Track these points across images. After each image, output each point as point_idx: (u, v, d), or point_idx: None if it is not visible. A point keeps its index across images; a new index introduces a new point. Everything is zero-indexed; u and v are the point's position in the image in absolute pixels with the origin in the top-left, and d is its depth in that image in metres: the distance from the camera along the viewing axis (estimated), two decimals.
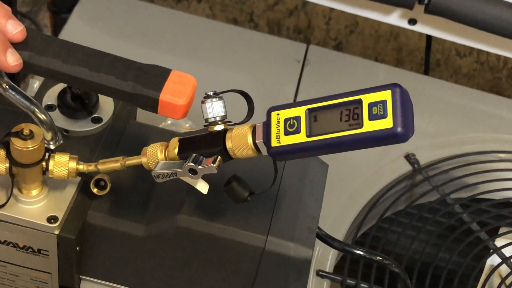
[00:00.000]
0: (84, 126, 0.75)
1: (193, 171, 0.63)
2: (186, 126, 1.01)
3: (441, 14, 1.05)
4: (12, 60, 0.64)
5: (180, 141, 0.65)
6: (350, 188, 1.01)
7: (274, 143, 0.60)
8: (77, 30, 1.10)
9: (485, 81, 1.74)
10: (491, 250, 0.98)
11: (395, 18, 1.10)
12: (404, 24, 1.11)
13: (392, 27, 1.73)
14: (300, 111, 0.59)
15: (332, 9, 1.75)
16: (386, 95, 0.56)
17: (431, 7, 1.04)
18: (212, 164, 0.62)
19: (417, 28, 1.11)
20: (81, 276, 0.75)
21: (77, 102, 0.75)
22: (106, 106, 0.77)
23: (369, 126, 0.56)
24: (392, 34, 1.77)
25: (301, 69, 1.12)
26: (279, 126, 0.60)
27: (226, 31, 1.16)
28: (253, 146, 0.62)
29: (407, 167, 1.04)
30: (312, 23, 1.76)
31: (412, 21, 1.10)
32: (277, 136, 0.60)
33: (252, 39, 1.16)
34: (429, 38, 1.38)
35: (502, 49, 1.11)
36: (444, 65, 1.75)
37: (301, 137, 0.59)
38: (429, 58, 1.34)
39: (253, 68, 1.12)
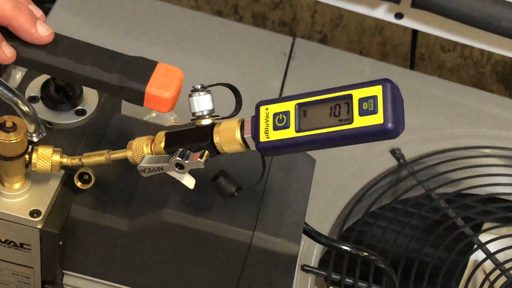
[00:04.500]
0: (67, 119, 0.73)
1: (180, 166, 0.62)
2: (171, 118, 1.00)
3: (428, 8, 1.05)
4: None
5: (166, 135, 0.64)
6: (336, 182, 1.01)
7: (262, 138, 0.59)
8: (60, 20, 1.08)
9: (469, 76, 1.75)
10: (475, 246, 0.98)
11: (382, 12, 1.10)
12: (390, 18, 1.10)
13: (377, 21, 1.73)
14: (290, 106, 0.58)
15: (317, 2, 1.74)
16: (376, 91, 0.55)
17: (418, 1, 1.04)
18: (199, 159, 0.61)
19: (404, 22, 1.11)
20: (64, 271, 0.74)
21: (61, 94, 0.74)
22: (91, 98, 0.75)
23: (359, 121, 0.55)
24: (377, 28, 1.76)
25: (287, 63, 1.12)
26: (268, 120, 0.59)
27: (212, 23, 1.15)
28: (241, 141, 0.61)
29: (392, 162, 1.04)
30: (297, 16, 1.75)
31: (399, 15, 1.10)
32: (266, 131, 0.59)
33: (239, 32, 1.15)
34: (415, 32, 1.38)
35: (488, 44, 1.11)
36: (429, 60, 1.76)
37: (290, 132, 0.58)
38: (415, 53, 1.34)
39: (239, 61, 1.11)
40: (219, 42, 1.12)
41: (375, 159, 1.04)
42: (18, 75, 0.86)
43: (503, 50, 1.10)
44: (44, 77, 0.75)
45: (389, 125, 0.54)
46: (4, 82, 0.66)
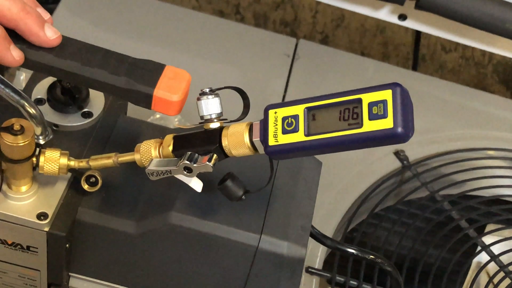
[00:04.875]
0: (74, 121, 0.73)
1: (188, 169, 0.62)
2: (175, 120, 1.00)
3: (432, 10, 1.05)
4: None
5: (174, 138, 0.64)
6: (340, 184, 1.01)
7: (271, 141, 0.59)
8: (64, 22, 1.08)
9: (470, 77, 1.75)
10: (479, 248, 0.98)
11: (385, 14, 1.10)
12: (394, 19, 1.10)
13: (379, 21, 1.73)
14: (299, 110, 0.58)
15: (318, 2, 1.74)
16: (386, 95, 0.55)
17: (422, 2, 1.04)
18: (207, 163, 0.61)
19: (407, 24, 1.11)
20: (70, 273, 0.74)
21: (67, 96, 0.73)
22: (97, 100, 0.75)
23: (369, 126, 0.55)
24: (378, 28, 1.76)
25: (291, 64, 1.11)
26: (276, 124, 0.59)
27: (215, 25, 1.15)
28: (249, 145, 0.61)
29: (396, 164, 1.04)
30: (299, 16, 1.75)
31: (402, 17, 1.10)
32: (275, 134, 0.59)
33: (242, 33, 1.15)
34: (418, 33, 1.38)
35: (492, 46, 1.11)
36: (430, 60, 1.76)
37: (299, 136, 0.58)
38: (418, 54, 1.34)
39: (242, 63, 1.11)
40: (222, 44, 1.12)
41: (379, 161, 1.04)
42: (22, 76, 0.86)
43: (508, 52, 1.10)
44: (50, 79, 0.75)
45: (399, 129, 0.54)
46: (11, 84, 0.66)
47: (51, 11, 1.09)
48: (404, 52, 1.75)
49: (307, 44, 1.15)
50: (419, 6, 1.05)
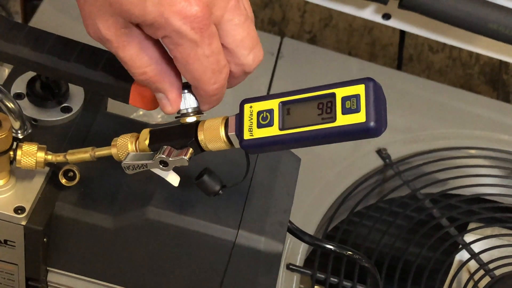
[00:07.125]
0: (53, 116, 0.73)
1: (164, 163, 0.62)
2: (158, 116, 1.00)
3: (415, 9, 1.05)
4: None
5: (151, 132, 0.64)
6: (322, 181, 1.01)
7: (246, 135, 0.59)
8: (48, 17, 1.08)
9: (456, 77, 1.75)
10: (460, 246, 0.99)
11: (369, 13, 1.10)
12: (378, 19, 1.11)
13: (366, 21, 1.74)
14: (273, 104, 0.59)
15: (306, 2, 1.75)
16: (359, 89, 0.55)
17: (405, 2, 1.04)
18: (183, 156, 0.61)
19: (391, 23, 1.11)
20: (48, 268, 0.73)
21: (47, 91, 0.73)
22: (77, 95, 0.75)
23: (342, 120, 0.55)
24: (366, 28, 1.77)
25: (275, 62, 1.12)
26: (251, 118, 0.59)
27: None
28: (225, 139, 0.61)
29: (378, 162, 1.05)
30: (287, 15, 1.76)
31: (386, 16, 1.10)
32: (250, 128, 0.59)
33: None
34: (402, 33, 1.38)
35: (475, 46, 1.12)
36: (417, 60, 1.76)
37: (274, 130, 0.58)
38: (402, 53, 1.34)
39: None
40: None
41: (361, 159, 1.04)
42: (5, 71, 0.86)
43: (490, 51, 1.11)
44: (30, 74, 0.75)
45: (371, 123, 0.54)
46: None
47: (35, 7, 1.09)
48: (392, 52, 1.76)
49: (292, 43, 1.16)
50: (402, 5, 1.05)
